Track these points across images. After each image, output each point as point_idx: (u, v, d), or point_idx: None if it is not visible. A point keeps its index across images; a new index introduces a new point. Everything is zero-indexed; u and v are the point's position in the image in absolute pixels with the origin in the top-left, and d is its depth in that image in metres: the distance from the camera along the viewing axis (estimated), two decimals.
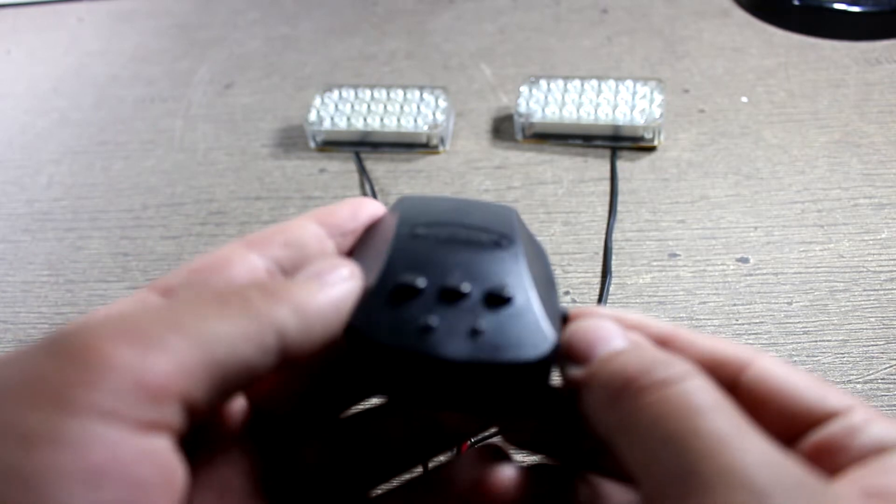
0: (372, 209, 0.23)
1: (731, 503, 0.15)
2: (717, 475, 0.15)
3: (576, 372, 0.20)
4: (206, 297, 0.18)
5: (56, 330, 0.16)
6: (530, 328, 0.19)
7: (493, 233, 0.22)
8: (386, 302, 0.20)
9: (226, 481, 0.20)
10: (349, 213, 0.23)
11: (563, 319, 0.21)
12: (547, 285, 0.22)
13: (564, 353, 0.20)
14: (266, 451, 0.21)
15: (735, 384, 0.20)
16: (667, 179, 0.50)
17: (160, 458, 0.16)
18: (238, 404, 0.21)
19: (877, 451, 0.18)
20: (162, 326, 0.16)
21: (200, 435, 0.20)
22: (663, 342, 0.21)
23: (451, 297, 0.20)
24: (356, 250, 0.22)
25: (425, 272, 0.20)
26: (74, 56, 0.69)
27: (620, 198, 0.49)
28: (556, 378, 0.21)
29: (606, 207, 0.48)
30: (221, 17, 0.72)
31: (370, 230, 0.23)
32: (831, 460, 0.18)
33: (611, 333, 0.20)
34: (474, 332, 0.19)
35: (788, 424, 0.19)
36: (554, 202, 0.49)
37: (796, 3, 0.60)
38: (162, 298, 0.20)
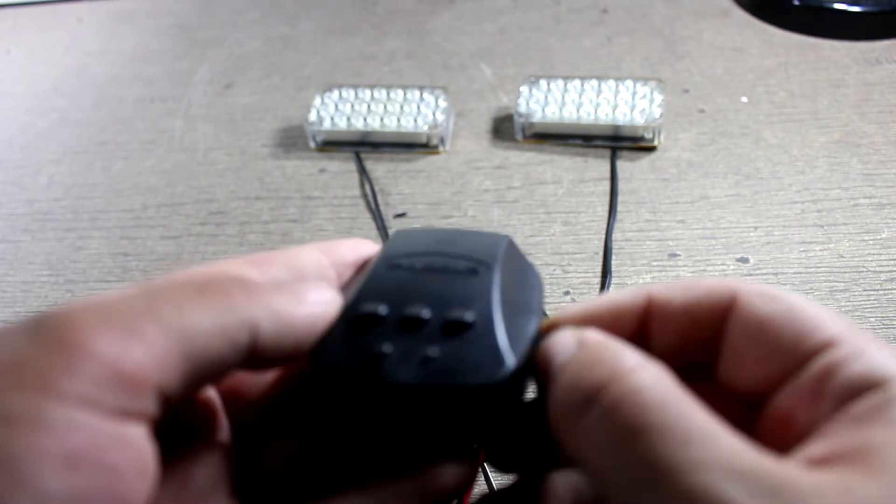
0: (366, 250, 0.23)
1: None
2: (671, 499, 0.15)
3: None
4: (186, 285, 0.18)
5: (37, 314, 0.16)
6: (486, 353, 0.19)
7: (471, 260, 0.22)
8: (347, 330, 0.20)
9: (190, 474, 0.20)
10: (350, 248, 0.23)
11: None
12: (523, 311, 0.21)
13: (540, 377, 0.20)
14: (238, 451, 0.21)
15: (724, 329, 0.19)
16: (667, 179, 0.50)
17: (135, 445, 0.16)
18: (211, 402, 0.21)
19: (849, 394, 0.16)
20: (140, 316, 0.17)
21: (170, 427, 0.20)
22: (642, 313, 0.20)
23: (410, 324, 0.20)
24: (344, 288, 0.23)
25: (390, 301, 0.20)
26: (74, 56, 0.69)
27: (620, 198, 0.49)
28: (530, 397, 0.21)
29: (606, 207, 0.48)
30: (221, 17, 0.72)
31: (360, 268, 0.23)
32: (808, 410, 0.17)
33: (561, 345, 0.19)
34: (427, 359, 0.19)
35: (773, 367, 0.18)
36: (554, 202, 0.49)
37: (796, 3, 0.60)
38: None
